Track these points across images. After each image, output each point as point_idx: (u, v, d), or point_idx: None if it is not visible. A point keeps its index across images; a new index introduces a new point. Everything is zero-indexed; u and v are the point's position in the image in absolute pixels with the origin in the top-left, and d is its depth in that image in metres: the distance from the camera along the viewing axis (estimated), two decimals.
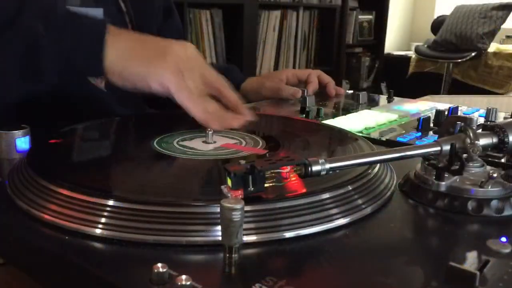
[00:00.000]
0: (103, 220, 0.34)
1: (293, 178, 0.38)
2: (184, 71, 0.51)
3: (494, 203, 0.38)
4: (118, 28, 0.54)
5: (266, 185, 0.35)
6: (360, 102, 0.84)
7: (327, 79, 0.94)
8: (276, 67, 2.79)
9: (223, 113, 0.53)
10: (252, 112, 0.56)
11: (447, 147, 0.40)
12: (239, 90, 0.91)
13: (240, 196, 0.34)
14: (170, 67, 0.51)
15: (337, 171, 0.39)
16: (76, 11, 0.54)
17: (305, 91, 0.86)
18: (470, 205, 0.38)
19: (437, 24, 3.51)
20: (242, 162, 0.35)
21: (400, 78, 3.56)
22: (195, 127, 0.52)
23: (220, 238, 0.30)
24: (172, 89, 0.50)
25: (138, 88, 0.52)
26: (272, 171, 0.36)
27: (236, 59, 2.44)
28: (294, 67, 2.90)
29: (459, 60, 3.28)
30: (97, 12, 0.73)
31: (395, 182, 0.44)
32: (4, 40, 0.49)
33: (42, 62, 0.50)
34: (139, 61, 0.51)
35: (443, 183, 0.40)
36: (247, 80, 0.94)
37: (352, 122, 0.66)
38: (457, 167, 0.39)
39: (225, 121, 0.52)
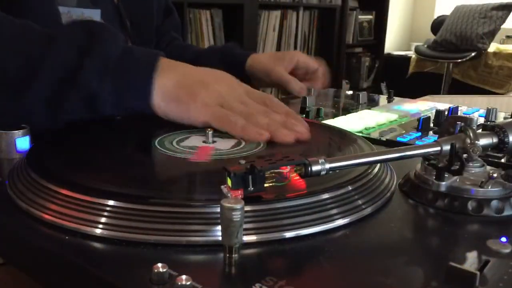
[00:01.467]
0: (103, 220, 0.34)
1: (293, 178, 0.38)
2: (222, 101, 0.52)
3: (494, 203, 0.38)
4: (168, 61, 0.54)
5: (266, 185, 0.35)
6: (360, 102, 0.84)
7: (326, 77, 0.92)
8: None
9: (275, 126, 0.51)
10: (306, 130, 0.52)
11: (447, 147, 0.40)
12: (244, 69, 0.87)
13: (240, 196, 0.34)
14: (205, 102, 0.52)
15: (337, 171, 0.39)
16: (128, 47, 0.54)
17: (312, 90, 0.86)
18: (470, 205, 0.38)
19: (437, 24, 3.51)
20: (242, 162, 0.35)
21: (400, 78, 3.56)
22: (195, 127, 0.52)
23: (220, 238, 0.30)
24: (211, 121, 0.51)
25: (186, 123, 0.53)
26: (272, 171, 0.36)
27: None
28: None
29: (459, 60, 3.28)
30: (95, 14, 0.73)
31: (395, 182, 0.44)
32: (63, 92, 0.51)
33: (100, 109, 0.53)
34: (177, 103, 0.52)
35: (443, 183, 0.40)
36: (252, 57, 0.88)
37: (352, 122, 0.66)
38: (457, 167, 0.39)
39: (275, 134, 0.50)
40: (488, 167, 0.42)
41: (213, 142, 0.49)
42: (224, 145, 0.48)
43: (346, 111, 0.76)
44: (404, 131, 0.63)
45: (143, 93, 0.52)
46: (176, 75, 0.54)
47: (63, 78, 0.51)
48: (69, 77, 0.51)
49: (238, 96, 0.54)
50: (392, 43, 4.19)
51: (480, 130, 0.43)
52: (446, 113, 0.70)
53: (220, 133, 0.51)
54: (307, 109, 0.72)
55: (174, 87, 0.52)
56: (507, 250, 0.32)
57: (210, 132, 0.49)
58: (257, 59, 0.88)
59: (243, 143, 0.49)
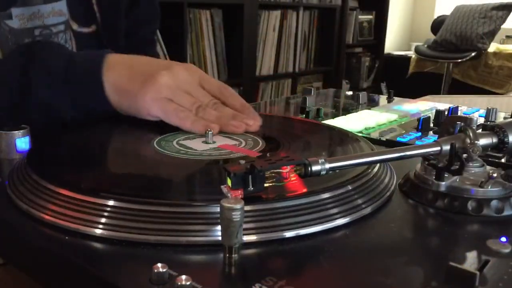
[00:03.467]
0: (103, 220, 0.34)
1: (293, 178, 0.38)
2: (171, 94, 0.52)
3: (494, 203, 0.38)
4: (116, 56, 0.55)
5: (266, 185, 0.35)
6: (360, 102, 0.84)
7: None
8: (276, 67, 2.79)
9: (225, 119, 0.52)
10: (256, 122, 0.53)
11: (447, 147, 0.40)
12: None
13: (240, 196, 0.34)
14: (153, 97, 0.52)
15: (337, 171, 0.39)
16: (72, 54, 0.56)
17: (312, 90, 0.85)
18: (470, 205, 0.38)
19: (437, 24, 3.51)
20: (242, 162, 0.35)
21: (400, 78, 3.56)
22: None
23: (220, 238, 0.30)
24: (161, 116, 0.52)
25: (140, 118, 0.55)
26: (272, 171, 0.36)
27: (236, 59, 2.44)
28: (294, 67, 2.91)
29: (459, 60, 3.28)
30: (61, 6, 0.71)
31: (395, 182, 0.44)
32: (21, 110, 0.54)
33: (64, 116, 0.55)
34: (127, 98, 0.54)
35: (443, 183, 0.40)
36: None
37: (352, 122, 0.66)
38: (457, 167, 0.39)
39: (225, 126, 0.51)
40: (488, 167, 0.42)
41: (213, 142, 0.49)
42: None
43: (346, 111, 0.76)
44: (404, 131, 0.63)
45: (97, 93, 0.53)
46: (123, 69, 0.54)
47: (16, 98, 0.53)
48: (21, 96, 0.53)
49: (189, 88, 0.54)
50: (392, 43, 4.19)
51: (480, 130, 0.43)
52: (446, 113, 0.70)
53: (219, 133, 0.51)
54: (307, 109, 0.72)
55: (123, 81, 0.53)
56: (507, 250, 0.32)
57: (210, 133, 0.49)
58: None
59: (244, 143, 0.49)
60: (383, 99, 0.90)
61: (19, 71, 0.54)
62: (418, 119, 0.65)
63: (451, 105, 0.76)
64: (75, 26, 0.71)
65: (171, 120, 0.51)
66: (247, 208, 0.30)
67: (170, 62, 0.57)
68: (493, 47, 3.30)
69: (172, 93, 0.53)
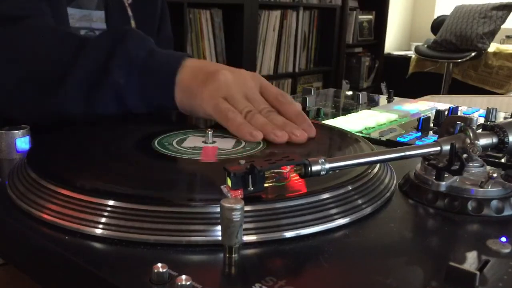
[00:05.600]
0: (103, 220, 0.34)
1: (293, 178, 0.38)
2: (227, 95, 0.53)
3: (494, 203, 0.38)
4: (191, 59, 0.58)
5: (266, 185, 0.35)
6: (360, 102, 0.84)
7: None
8: (276, 67, 2.79)
9: (270, 127, 0.49)
10: (304, 134, 0.50)
11: (447, 147, 0.40)
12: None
13: (240, 196, 0.34)
14: (211, 94, 0.53)
15: (337, 171, 0.39)
16: (154, 50, 0.58)
17: (312, 90, 0.85)
18: (470, 205, 0.38)
19: (437, 24, 3.51)
20: (242, 162, 0.35)
21: (400, 78, 3.56)
22: (195, 127, 0.52)
23: (220, 238, 0.30)
24: (211, 113, 0.53)
25: (195, 116, 0.58)
26: (272, 171, 0.36)
27: (236, 59, 2.44)
28: (294, 67, 2.91)
29: (459, 60, 3.28)
30: (100, 15, 0.74)
31: (395, 182, 0.44)
32: (95, 90, 0.56)
33: (129, 106, 0.58)
34: (189, 95, 0.55)
35: (443, 183, 0.40)
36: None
37: (352, 122, 0.66)
38: (457, 167, 0.39)
39: (268, 135, 0.49)
40: (488, 167, 0.42)
41: (213, 142, 0.49)
42: (226, 144, 0.48)
43: (346, 111, 0.76)
44: (404, 131, 0.63)
45: (167, 91, 0.56)
46: (191, 68, 0.56)
47: (93, 77, 0.56)
48: (98, 76, 0.56)
49: (247, 91, 0.54)
50: (392, 43, 4.19)
51: (480, 130, 0.43)
52: (446, 113, 0.70)
53: (219, 133, 0.51)
54: (307, 109, 0.72)
55: (189, 79, 0.55)
56: (507, 250, 0.32)
57: (210, 133, 0.49)
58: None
59: (243, 143, 0.49)
60: (383, 99, 0.90)
61: (105, 52, 0.56)
62: (418, 119, 0.65)
63: (451, 105, 0.76)
64: None
65: (219, 118, 0.52)
66: (247, 208, 0.30)
67: (235, 69, 0.57)
68: (493, 47, 3.30)
69: (229, 94, 0.53)
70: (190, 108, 0.56)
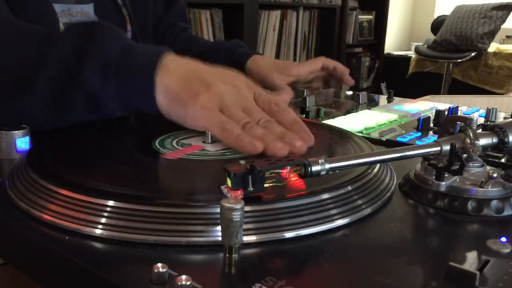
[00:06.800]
0: (103, 220, 0.34)
1: (293, 178, 0.38)
2: (223, 106, 0.49)
3: (494, 203, 0.38)
4: (172, 58, 0.52)
5: (266, 185, 0.35)
6: (360, 102, 0.84)
7: (339, 66, 0.94)
8: None
9: (269, 139, 0.47)
10: (303, 144, 0.47)
11: (447, 147, 0.40)
12: (243, 70, 0.88)
13: (240, 196, 0.34)
14: (204, 105, 0.49)
15: (337, 171, 0.39)
16: (128, 46, 0.52)
17: (305, 91, 0.86)
18: (470, 205, 0.38)
19: (437, 24, 3.51)
20: (242, 162, 0.35)
21: (400, 78, 3.56)
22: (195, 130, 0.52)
23: (220, 238, 0.30)
24: (206, 125, 0.49)
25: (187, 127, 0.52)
26: (272, 171, 0.36)
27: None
28: None
29: (459, 60, 3.28)
30: (89, 9, 0.73)
31: (395, 182, 0.44)
32: (65, 94, 0.50)
33: (104, 110, 0.52)
34: (178, 105, 0.50)
35: (443, 183, 0.40)
36: (254, 58, 0.89)
37: (352, 122, 0.66)
38: (457, 167, 0.39)
39: (267, 146, 0.46)
40: (488, 167, 0.42)
41: (213, 142, 0.49)
42: (217, 147, 0.48)
43: (346, 111, 0.76)
44: (404, 131, 0.63)
45: (146, 93, 0.50)
46: (179, 73, 0.51)
47: (62, 79, 0.50)
48: (68, 78, 0.50)
49: (241, 100, 0.51)
50: (392, 43, 4.19)
51: (480, 130, 0.43)
52: (446, 113, 0.70)
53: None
54: (307, 109, 0.72)
55: (176, 86, 0.50)
56: (507, 250, 0.32)
57: (210, 133, 0.49)
58: (256, 63, 0.88)
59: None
60: (383, 99, 0.90)
61: (74, 49, 0.51)
62: (418, 119, 0.65)
63: (451, 105, 0.76)
64: None
65: (214, 131, 0.48)
66: (247, 208, 0.30)
67: (229, 72, 0.54)
68: (493, 47, 3.30)
69: (223, 104, 0.49)
70: (177, 117, 0.51)
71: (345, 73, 0.95)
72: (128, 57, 0.51)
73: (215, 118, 0.48)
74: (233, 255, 0.30)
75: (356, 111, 0.75)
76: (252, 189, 0.34)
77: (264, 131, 0.48)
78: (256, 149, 0.45)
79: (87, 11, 0.73)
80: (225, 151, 0.47)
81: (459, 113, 0.75)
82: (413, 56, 3.62)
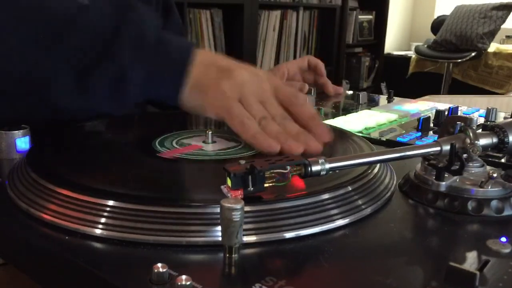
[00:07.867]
0: (103, 220, 0.34)
1: (293, 179, 0.38)
2: (243, 97, 0.49)
3: (494, 203, 0.38)
4: (202, 53, 0.52)
5: (266, 185, 0.35)
6: (360, 102, 0.84)
7: (319, 66, 0.93)
8: None
9: (284, 137, 0.46)
10: (318, 144, 0.47)
11: (447, 147, 0.40)
12: None
13: (240, 196, 0.34)
14: (223, 96, 0.49)
15: (337, 171, 0.39)
16: (163, 37, 0.51)
17: (312, 90, 0.86)
18: (470, 205, 0.38)
19: (437, 24, 3.51)
20: (242, 162, 0.35)
21: (400, 78, 3.56)
22: (196, 128, 0.52)
23: (220, 238, 0.30)
24: (225, 117, 0.48)
25: (201, 115, 0.52)
26: (272, 171, 0.36)
27: (236, 59, 2.44)
28: None
29: (459, 60, 3.28)
30: None
31: (395, 182, 0.44)
32: (95, 69, 0.48)
33: (128, 93, 0.50)
34: (199, 92, 0.50)
35: (443, 183, 0.40)
36: None
37: (352, 122, 0.66)
38: (457, 167, 0.39)
39: (284, 147, 0.46)
40: (488, 167, 0.42)
41: (213, 142, 0.49)
42: (215, 147, 0.48)
43: (346, 111, 0.76)
44: (404, 131, 0.63)
45: (173, 85, 0.50)
46: (205, 63, 0.51)
47: (94, 45, 0.48)
48: (100, 46, 0.48)
49: (261, 92, 0.50)
50: (392, 43, 4.19)
51: (480, 130, 0.43)
52: (446, 113, 0.70)
53: (220, 134, 0.51)
54: None
55: (200, 73, 0.50)
56: (507, 250, 0.32)
57: (210, 133, 0.49)
58: None
59: (243, 144, 0.49)
60: (383, 99, 0.90)
61: (109, 26, 0.49)
62: (418, 119, 0.65)
63: (451, 105, 0.76)
64: None
65: (233, 123, 0.47)
66: (247, 208, 0.30)
67: (250, 67, 0.53)
68: (493, 47, 3.30)
69: (243, 94, 0.49)
70: (196, 106, 0.50)
71: (327, 84, 0.94)
72: (162, 44, 0.50)
73: (234, 110, 0.48)
74: (233, 255, 0.30)
75: (356, 111, 0.75)
76: (252, 189, 0.34)
77: (279, 129, 0.48)
78: (272, 149, 0.45)
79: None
80: (222, 151, 0.47)
81: (459, 113, 0.75)
82: (413, 56, 3.62)
